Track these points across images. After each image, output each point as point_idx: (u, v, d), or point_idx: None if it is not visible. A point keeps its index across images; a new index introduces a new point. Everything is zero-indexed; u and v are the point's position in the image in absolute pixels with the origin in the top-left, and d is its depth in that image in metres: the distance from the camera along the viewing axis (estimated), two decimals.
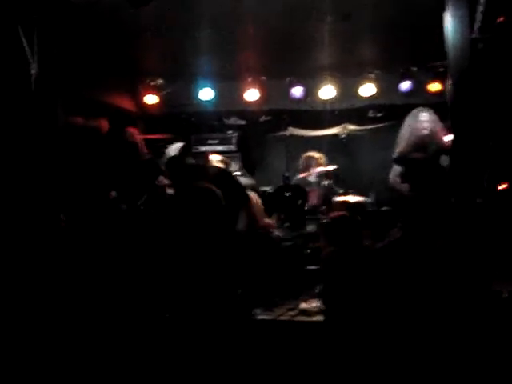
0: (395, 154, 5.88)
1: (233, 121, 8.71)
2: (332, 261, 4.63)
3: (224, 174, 5.87)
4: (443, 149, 5.67)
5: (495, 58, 4.70)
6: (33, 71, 5.35)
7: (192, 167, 5.62)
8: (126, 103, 8.70)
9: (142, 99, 8.67)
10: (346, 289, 4.57)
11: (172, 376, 4.21)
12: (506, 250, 6.30)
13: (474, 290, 4.58)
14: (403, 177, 5.84)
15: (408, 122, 5.80)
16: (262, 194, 6.52)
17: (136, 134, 6.48)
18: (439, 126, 5.69)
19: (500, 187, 7.48)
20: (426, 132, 5.62)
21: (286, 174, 6.57)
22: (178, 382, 4.19)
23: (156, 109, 8.72)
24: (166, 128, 8.14)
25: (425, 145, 5.63)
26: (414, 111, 5.81)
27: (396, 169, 5.92)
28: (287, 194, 6.35)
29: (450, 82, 4.80)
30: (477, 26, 4.51)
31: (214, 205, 5.20)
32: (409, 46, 7.38)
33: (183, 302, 5.19)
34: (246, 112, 8.84)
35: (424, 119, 5.66)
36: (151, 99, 8.65)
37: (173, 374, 4.23)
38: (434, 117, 5.71)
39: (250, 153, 8.53)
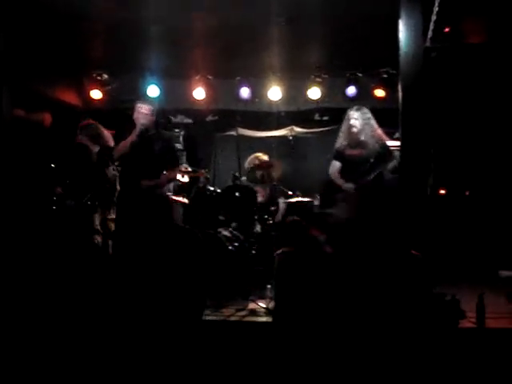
0: (334, 149, 6.03)
1: (179, 119, 8.65)
2: (285, 262, 4.65)
3: None
4: (383, 150, 5.80)
5: (446, 67, 4.85)
6: None
7: None
8: (71, 97, 8.52)
9: (88, 94, 8.51)
10: (298, 290, 4.61)
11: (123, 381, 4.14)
12: (449, 254, 6.53)
13: (415, 293, 4.71)
14: (341, 172, 5.97)
15: (344, 119, 5.95)
16: (210, 194, 6.49)
17: (100, 126, 6.35)
18: (373, 124, 5.84)
19: (440, 192, 7.75)
20: (355, 130, 5.78)
21: (236, 174, 6.55)
22: None
23: (101, 104, 8.58)
24: (112, 124, 7.98)
25: (359, 142, 5.79)
26: (349, 110, 5.95)
27: (335, 164, 6.04)
28: (237, 194, 6.33)
29: (400, 88, 4.91)
30: (430, 35, 4.63)
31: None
32: (355, 51, 7.52)
33: (128, 304, 5.13)
34: (193, 111, 8.79)
35: (355, 117, 5.82)
36: (96, 94, 8.50)
37: (123, 378, 4.15)
38: (367, 114, 5.85)
39: (196, 152, 8.49)
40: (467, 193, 7.72)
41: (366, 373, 4.19)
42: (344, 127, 5.96)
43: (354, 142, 5.86)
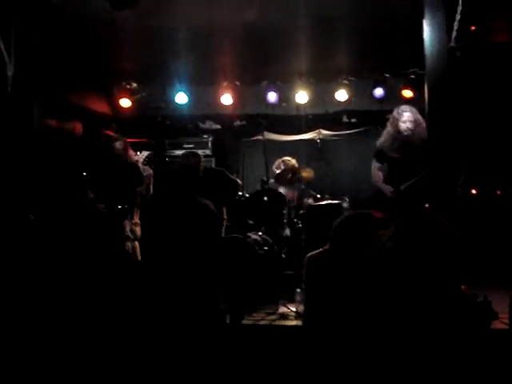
0: (375, 148, 5.86)
1: (208, 125, 8.74)
2: (315, 265, 4.64)
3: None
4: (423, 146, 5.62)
5: (472, 66, 4.82)
6: (9, 73, 5.30)
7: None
8: (101, 106, 8.66)
9: (117, 102, 8.64)
10: (328, 293, 4.60)
11: None
12: (480, 254, 6.45)
13: (448, 295, 4.66)
14: (384, 176, 5.83)
15: (392, 118, 5.69)
16: (238, 199, 6.52)
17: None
18: (422, 126, 5.57)
19: (471, 193, 7.66)
20: (405, 131, 5.51)
21: (264, 179, 6.58)
22: None
23: (131, 112, 8.69)
24: (141, 131, 8.11)
25: (406, 144, 5.55)
26: (398, 109, 5.68)
27: (375, 164, 5.91)
28: (265, 199, 6.36)
29: (426, 89, 4.87)
30: (454, 34, 4.60)
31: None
32: (382, 52, 7.48)
33: (160, 309, 5.17)
34: (221, 116, 8.86)
35: (406, 117, 5.50)
36: (126, 102, 8.62)
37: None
38: (418, 115, 5.59)
39: (225, 157, 8.56)
40: (499, 192, 7.62)
41: (398, 377, 4.16)
42: (391, 127, 5.65)
43: (400, 143, 5.57)
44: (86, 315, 5.06)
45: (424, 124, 5.44)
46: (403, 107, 5.67)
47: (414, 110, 5.60)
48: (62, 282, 5.56)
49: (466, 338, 4.46)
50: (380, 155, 5.76)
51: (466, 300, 4.71)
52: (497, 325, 4.68)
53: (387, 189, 5.70)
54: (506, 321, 4.74)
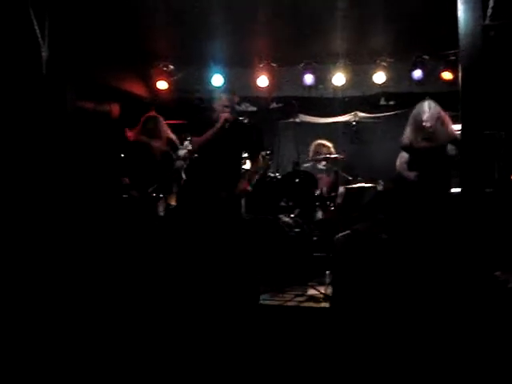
0: (403, 142, 5.92)
1: (244, 107, 8.71)
2: (344, 247, 4.63)
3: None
4: (451, 139, 5.70)
5: (507, 46, 4.68)
6: (44, 54, 5.39)
7: None
8: (138, 88, 8.73)
9: (154, 84, 8.70)
10: (356, 275, 4.59)
11: (180, 363, 4.24)
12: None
13: (479, 280, 4.59)
14: (409, 165, 5.88)
15: (414, 112, 5.82)
16: (270, 180, 6.52)
17: (161, 121, 6.50)
18: (444, 117, 5.70)
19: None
20: (428, 124, 5.64)
21: (296, 160, 6.55)
22: (185, 370, 4.22)
23: (168, 94, 8.74)
24: (179, 113, 8.15)
25: (431, 135, 5.66)
26: (420, 103, 5.83)
27: (403, 156, 5.95)
28: (297, 180, 6.34)
29: (460, 69, 4.78)
30: (489, 13, 4.48)
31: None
32: (421, 34, 7.34)
33: (191, 289, 5.25)
34: (257, 98, 8.84)
35: (426, 111, 5.67)
36: (163, 84, 8.68)
37: (180, 362, 4.25)
38: (438, 108, 5.71)
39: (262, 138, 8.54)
40: None
41: (425, 360, 4.13)
42: (413, 119, 5.82)
43: (424, 134, 5.71)
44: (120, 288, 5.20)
45: (445, 115, 5.64)
46: (425, 100, 5.82)
47: (435, 103, 5.76)
48: (101, 261, 5.70)
49: (498, 323, 4.41)
50: (407, 148, 5.81)
51: (497, 285, 4.65)
52: None
53: (412, 175, 5.70)
54: None
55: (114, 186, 6.53)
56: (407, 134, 5.83)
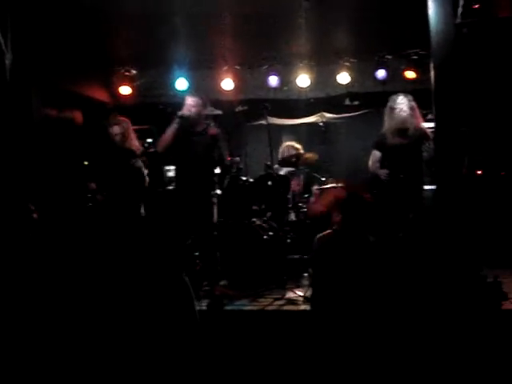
0: (377, 139, 5.94)
1: (209, 110, 8.60)
2: (322, 248, 4.58)
3: None
4: (421, 135, 5.74)
5: (478, 43, 4.73)
6: (7, 61, 5.24)
7: None
8: (101, 94, 8.58)
9: (117, 90, 8.55)
10: (336, 276, 4.55)
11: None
12: (488, 235, 6.40)
13: (461, 275, 4.62)
14: (382, 163, 5.89)
15: (388, 106, 5.84)
16: (242, 184, 6.46)
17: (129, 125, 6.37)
18: (417, 112, 5.75)
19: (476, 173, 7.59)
20: (404, 114, 5.66)
21: (268, 163, 6.50)
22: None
23: (131, 99, 8.61)
24: (142, 119, 8.03)
25: (404, 129, 5.68)
26: (393, 96, 5.85)
27: (375, 154, 5.95)
28: (269, 183, 6.29)
29: (432, 67, 4.80)
30: (460, 11, 4.51)
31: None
32: (383, 34, 7.38)
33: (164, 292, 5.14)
34: (222, 101, 8.76)
35: (402, 102, 5.70)
36: (125, 90, 8.54)
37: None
38: (412, 102, 5.75)
39: (228, 143, 8.46)
40: (503, 173, 7.54)
41: (407, 359, 4.13)
42: (388, 115, 5.83)
43: (398, 130, 5.74)
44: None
45: (418, 111, 5.57)
46: (398, 96, 5.85)
47: (411, 97, 5.81)
48: (67, 270, 5.53)
49: (478, 318, 4.44)
50: (380, 144, 5.82)
51: (476, 281, 4.69)
52: (508, 305, 4.64)
53: (383, 173, 5.72)
54: None
55: (78, 192, 6.40)
56: (385, 129, 5.82)
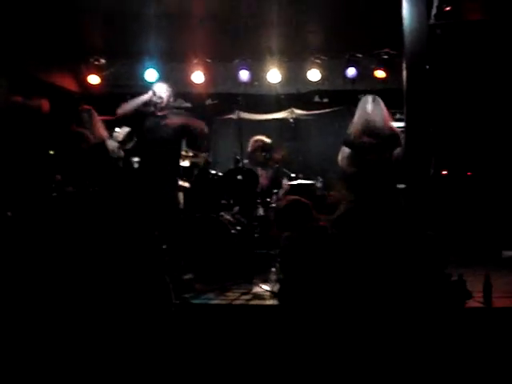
0: (347, 137, 5.96)
1: (178, 103, 8.55)
2: (290, 244, 4.61)
3: None
4: (391, 135, 5.79)
5: (451, 44, 4.79)
6: None
7: None
8: (69, 83, 8.44)
9: (85, 79, 8.42)
10: (303, 272, 4.58)
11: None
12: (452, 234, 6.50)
13: (425, 273, 4.68)
14: (351, 160, 5.92)
15: (359, 107, 5.86)
16: (211, 177, 6.43)
17: (94, 115, 6.28)
18: (386, 112, 5.79)
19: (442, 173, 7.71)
20: (373, 118, 5.69)
21: (238, 157, 6.49)
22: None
23: (99, 89, 8.49)
24: (111, 109, 7.92)
25: (374, 131, 5.72)
26: (365, 98, 5.88)
27: (345, 151, 5.97)
28: (239, 177, 6.28)
29: (405, 67, 4.85)
30: (433, 12, 4.56)
31: None
32: (355, 32, 7.44)
33: (129, 287, 5.11)
34: (192, 95, 8.72)
35: (369, 105, 5.72)
36: (94, 79, 8.42)
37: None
38: (381, 104, 5.80)
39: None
40: (469, 173, 7.67)
41: (372, 354, 4.17)
42: (358, 114, 5.86)
43: (367, 129, 5.76)
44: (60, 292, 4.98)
45: (387, 113, 5.63)
46: (367, 96, 5.82)
47: (378, 98, 5.75)
48: (31, 261, 5.44)
49: (441, 317, 4.50)
50: (349, 142, 5.86)
51: (441, 279, 4.75)
52: (472, 304, 4.72)
53: (351, 170, 5.77)
54: (481, 299, 4.79)
55: (44, 183, 6.28)
56: (351, 128, 5.86)
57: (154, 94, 5.80)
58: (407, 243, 4.81)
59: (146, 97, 5.82)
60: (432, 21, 4.54)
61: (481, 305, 4.76)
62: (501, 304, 4.78)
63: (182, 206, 6.45)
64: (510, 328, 4.39)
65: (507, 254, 6.98)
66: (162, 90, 5.89)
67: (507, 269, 6.22)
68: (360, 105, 5.83)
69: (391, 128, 5.81)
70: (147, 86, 8.22)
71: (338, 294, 4.51)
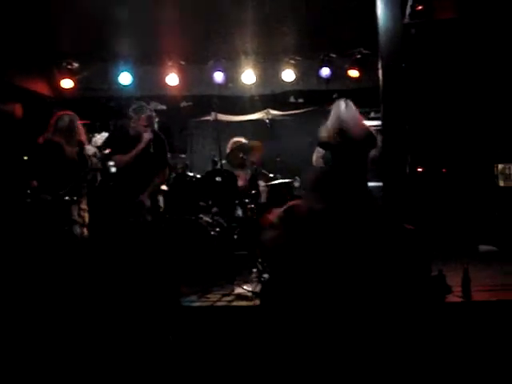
0: (321, 139, 6.00)
1: (153, 106, 8.51)
2: (272, 244, 4.61)
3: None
4: (367, 136, 5.83)
5: (426, 43, 4.85)
6: None
7: None
8: (42, 87, 8.34)
9: (58, 83, 8.33)
10: (285, 272, 4.59)
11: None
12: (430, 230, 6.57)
13: (405, 269, 4.73)
14: (326, 160, 5.96)
15: (333, 111, 5.89)
16: (189, 180, 6.42)
17: (77, 119, 6.22)
18: (360, 118, 5.83)
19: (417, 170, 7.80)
20: (347, 120, 5.72)
21: (215, 159, 6.48)
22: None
23: (73, 93, 8.41)
24: (84, 113, 7.87)
25: (347, 133, 5.76)
26: (337, 102, 5.91)
27: (319, 151, 6.00)
28: (218, 179, 6.28)
29: (380, 66, 4.90)
30: (408, 11, 4.62)
31: None
32: (328, 33, 7.49)
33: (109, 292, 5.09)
34: (166, 97, 8.69)
35: (346, 110, 5.75)
36: (67, 83, 8.33)
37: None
38: (354, 108, 5.83)
39: (171, 138, 8.40)
40: (444, 170, 7.77)
41: (354, 351, 4.20)
42: (330, 118, 5.89)
43: (340, 132, 5.79)
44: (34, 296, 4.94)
45: (359, 115, 5.68)
46: (340, 101, 5.83)
47: (350, 103, 5.76)
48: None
49: (422, 312, 4.56)
50: (323, 144, 5.90)
51: (421, 275, 4.81)
52: (452, 298, 4.79)
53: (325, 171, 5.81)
54: (460, 294, 4.86)
55: (18, 190, 6.20)
56: (326, 130, 5.90)
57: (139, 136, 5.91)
58: (387, 240, 4.85)
59: (140, 148, 5.91)
60: (406, 20, 4.59)
61: (460, 299, 4.83)
62: (480, 297, 4.86)
63: (162, 209, 6.45)
64: (489, 321, 4.46)
65: (484, 248, 7.11)
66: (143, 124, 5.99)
67: (484, 263, 6.34)
68: (333, 109, 5.87)
69: (367, 129, 5.86)
70: (121, 90, 8.30)
71: (321, 293, 4.54)
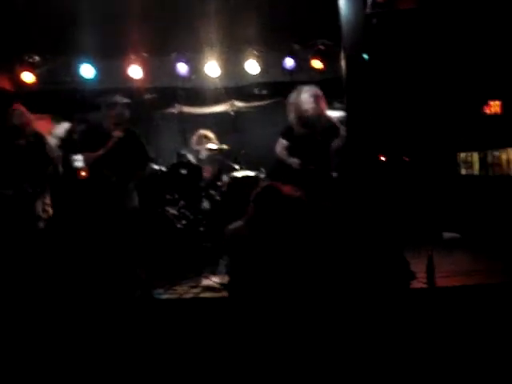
0: (283, 129, 6.02)
1: (119, 99, 8.41)
2: (237, 235, 4.61)
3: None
4: (330, 126, 5.85)
5: (386, 34, 4.90)
6: None
7: None
8: (3, 81, 8.17)
9: (19, 77, 8.18)
10: (252, 263, 4.60)
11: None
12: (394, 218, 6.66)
13: (370, 256, 4.80)
14: (290, 151, 5.97)
15: (292, 98, 5.89)
16: (155, 173, 6.39)
17: (25, 113, 6.11)
18: (321, 102, 5.82)
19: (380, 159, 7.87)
20: (308, 107, 5.73)
21: (181, 152, 6.47)
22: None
23: (35, 87, 8.25)
24: (47, 107, 7.76)
25: (309, 121, 5.77)
26: (298, 88, 5.92)
27: (282, 142, 6.02)
28: (183, 172, 6.26)
29: (343, 56, 4.94)
30: (369, 1, 4.66)
31: None
32: (292, 23, 7.49)
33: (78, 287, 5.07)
34: (130, 90, 8.58)
35: (307, 96, 5.76)
36: (28, 77, 8.18)
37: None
38: (318, 93, 5.82)
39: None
40: (407, 159, 7.86)
41: (322, 339, 4.24)
42: (292, 106, 5.89)
43: (303, 120, 5.80)
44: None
45: (323, 102, 5.68)
46: (304, 86, 5.87)
47: (315, 88, 5.82)
48: None
49: (388, 298, 4.62)
50: (287, 134, 5.90)
51: (385, 261, 4.88)
52: (416, 284, 4.87)
53: (294, 162, 5.80)
54: (424, 280, 4.94)
55: None
56: (289, 120, 5.90)
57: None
58: (352, 230, 4.91)
59: (109, 146, 5.77)
60: (368, 10, 4.63)
61: (425, 285, 4.91)
62: (443, 283, 4.95)
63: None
64: (453, 306, 4.55)
65: (447, 235, 7.23)
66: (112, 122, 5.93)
67: (448, 250, 6.46)
68: (292, 95, 5.86)
69: (329, 119, 5.89)
70: (84, 83, 8.19)
71: (287, 282, 4.56)
